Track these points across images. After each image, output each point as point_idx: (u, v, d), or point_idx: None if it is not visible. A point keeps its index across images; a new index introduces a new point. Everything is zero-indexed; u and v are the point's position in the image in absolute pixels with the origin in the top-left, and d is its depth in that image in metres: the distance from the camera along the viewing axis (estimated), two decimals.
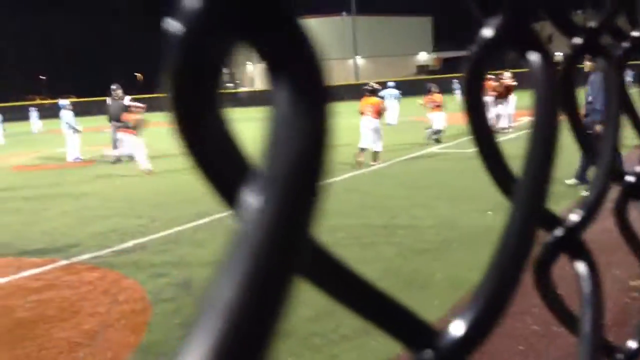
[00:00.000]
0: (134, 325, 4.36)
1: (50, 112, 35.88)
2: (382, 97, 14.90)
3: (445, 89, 19.86)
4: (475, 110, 0.30)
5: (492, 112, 14.86)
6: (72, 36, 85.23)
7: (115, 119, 14.08)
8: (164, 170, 11.62)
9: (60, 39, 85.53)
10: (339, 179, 9.81)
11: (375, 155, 11.55)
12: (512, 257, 0.25)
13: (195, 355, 0.12)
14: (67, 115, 15.55)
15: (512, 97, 16.34)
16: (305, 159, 0.14)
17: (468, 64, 0.27)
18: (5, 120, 27.17)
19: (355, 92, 50.65)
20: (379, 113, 11.80)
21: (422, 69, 70.53)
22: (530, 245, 0.27)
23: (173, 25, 0.13)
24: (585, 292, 0.33)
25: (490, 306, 0.22)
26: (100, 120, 17.35)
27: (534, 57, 0.29)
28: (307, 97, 0.15)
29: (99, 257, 6.11)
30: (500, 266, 0.24)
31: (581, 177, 7.80)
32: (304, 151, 0.14)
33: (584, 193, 0.42)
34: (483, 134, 0.31)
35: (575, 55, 0.43)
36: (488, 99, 14.37)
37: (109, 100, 15.19)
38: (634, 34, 0.56)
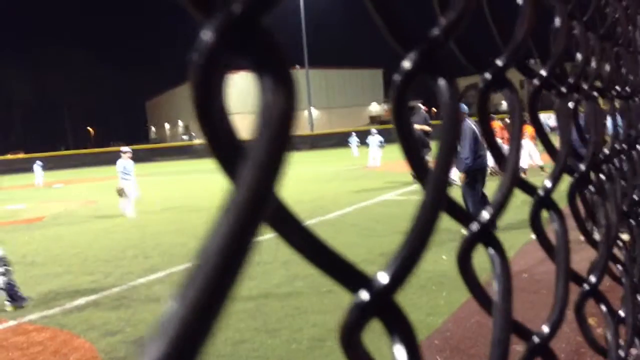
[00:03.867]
0: None
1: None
2: (367, 144, 15.17)
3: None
4: (400, 118, 0.35)
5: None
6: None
7: None
8: (115, 225, 11.37)
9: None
10: None
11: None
12: (421, 231, 0.32)
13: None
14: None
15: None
16: (281, 124, 0.19)
17: (394, 91, 0.33)
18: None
19: (309, 143, 51.00)
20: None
21: (374, 119, 72.19)
22: (435, 223, 0.33)
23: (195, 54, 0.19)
24: None
25: (407, 263, 0.31)
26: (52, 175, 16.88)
27: (441, 82, 0.34)
28: (279, 84, 0.20)
29: (48, 316, 5.86)
30: (413, 236, 0.32)
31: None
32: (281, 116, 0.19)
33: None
34: (405, 133, 0.35)
35: (487, 89, 0.49)
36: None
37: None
38: (543, 72, 0.63)
